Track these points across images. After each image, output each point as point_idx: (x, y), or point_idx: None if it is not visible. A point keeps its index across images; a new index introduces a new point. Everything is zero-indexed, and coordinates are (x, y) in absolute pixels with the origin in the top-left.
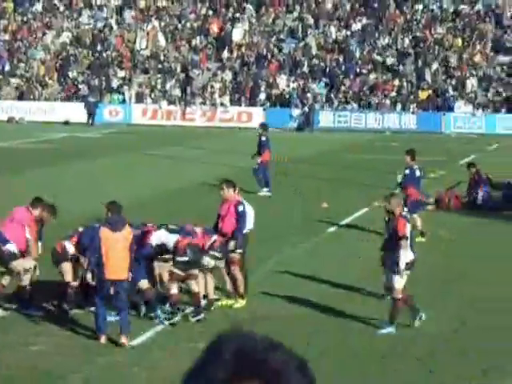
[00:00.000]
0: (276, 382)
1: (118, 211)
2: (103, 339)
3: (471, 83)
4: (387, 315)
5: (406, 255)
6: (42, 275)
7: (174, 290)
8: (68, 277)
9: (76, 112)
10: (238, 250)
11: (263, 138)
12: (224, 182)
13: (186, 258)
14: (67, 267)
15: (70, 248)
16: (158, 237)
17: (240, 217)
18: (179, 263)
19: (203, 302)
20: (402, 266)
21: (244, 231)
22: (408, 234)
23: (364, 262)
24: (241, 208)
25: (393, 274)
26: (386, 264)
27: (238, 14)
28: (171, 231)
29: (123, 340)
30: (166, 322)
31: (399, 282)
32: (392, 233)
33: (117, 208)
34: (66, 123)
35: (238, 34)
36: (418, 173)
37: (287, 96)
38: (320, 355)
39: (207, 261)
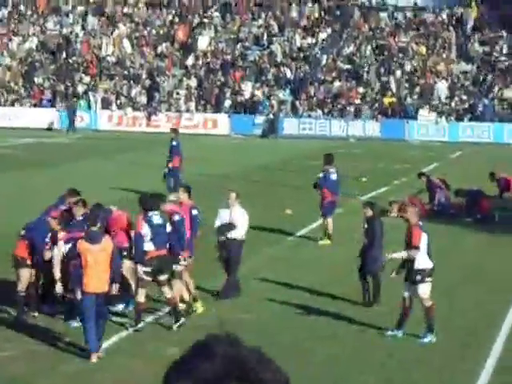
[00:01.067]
0: None
1: (95, 222)
2: (95, 358)
3: (435, 91)
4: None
5: (424, 264)
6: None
7: (142, 297)
8: (21, 285)
9: (43, 118)
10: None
11: (174, 143)
12: (180, 187)
13: (149, 269)
14: (25, 274)
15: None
16: (144, 228)
17: (193, 220)
18: (144, 272)
19: (181, 307)
20: (391, 256)
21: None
22: (421, 245)
23: (330, 267)
24: (195, 212)
25: (416, 284)
26: (366, 268)
27: (205, 20)
28: (153, 241)
29: (93, 359)
30: (131, 329)
31: (424, 290)
32: (407, 241)
33: (95, 219)
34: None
35: (203, 41)
36: (333, 176)
37: (253, 103)
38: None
39: (176, 267)
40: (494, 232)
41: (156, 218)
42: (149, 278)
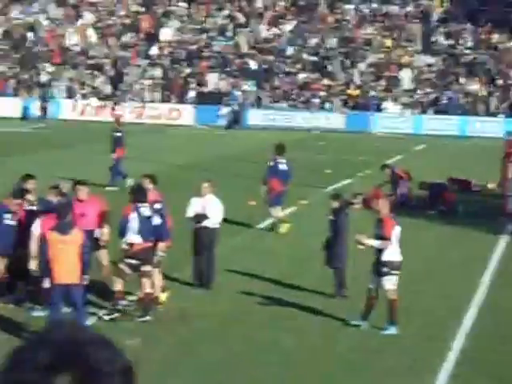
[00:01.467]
0: (92, 378)
1: (66, 213)
2: None
3: (399, 83)
4: (387, 316)
5: (393, 256)
6: None
7: (119, 286)
8: None
9: (5, 107)
10: None
11: (118, 134)
12: (145, 177)
13: (134, 262)
14: None
15: None
16: (133, 219)
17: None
18: (127, 264)
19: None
20: (365, 241)
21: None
22: (393, 236)
23: (294, 258)
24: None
25: (382, 276)
26: (331, 262)
27: (169, 10)
28: (141, 234)
29: None
30: (106, 317)
31: (390, 282)
32: (378, 233)
33: (66, 210)
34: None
35: (168, 31)
36: (282, 166)
37: (218, 94)
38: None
39: (155, 259)
40: (456, 225)
41: (145, 210)
42: (130, 271)
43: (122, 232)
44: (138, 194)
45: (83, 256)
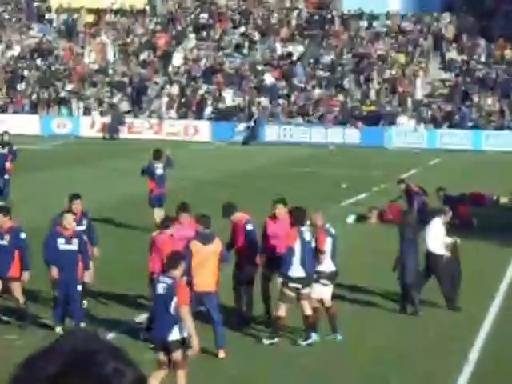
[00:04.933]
0: None
1: (207, 224)
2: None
3: (413, 99)
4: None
5: (325, 266)
6: None
7: (283, 312)
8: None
9: (27, 124)
10: None
11: (6, 138)
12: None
13: (296, 285)
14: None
15: None
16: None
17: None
18: (291, 288)
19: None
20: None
21: None
22: (326, 248)
23: None
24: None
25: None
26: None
27: (186, 28)
28: (304, 262)
29: (221, 354)
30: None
31: (315, 290)
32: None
33: (207, 221)
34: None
35: (185, 49)
36: (158, 171)
37: (235, 110)
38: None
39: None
40: (471, 238)
41: (308, 235)
42: (293, 294)
43: (288, 266)
44: (301, 217)
45: (220, 267)
